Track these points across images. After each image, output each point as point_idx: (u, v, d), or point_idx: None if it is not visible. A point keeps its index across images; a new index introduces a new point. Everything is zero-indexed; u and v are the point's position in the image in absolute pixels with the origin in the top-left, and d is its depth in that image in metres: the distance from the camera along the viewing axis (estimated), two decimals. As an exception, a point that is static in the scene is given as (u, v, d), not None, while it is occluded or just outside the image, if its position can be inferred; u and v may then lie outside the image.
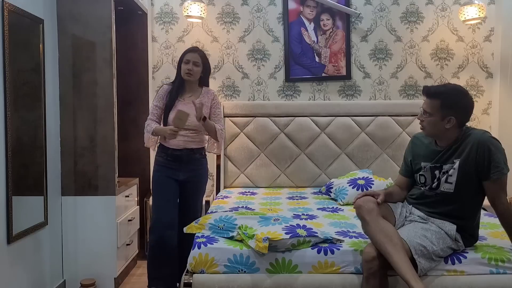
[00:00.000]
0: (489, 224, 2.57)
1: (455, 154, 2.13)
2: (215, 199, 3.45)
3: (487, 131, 2.14)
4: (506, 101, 3.84)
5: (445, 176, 2.14)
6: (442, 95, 2.11)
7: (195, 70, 2.76)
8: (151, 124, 2.77)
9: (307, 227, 2.27)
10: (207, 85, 2.94)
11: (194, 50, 2.82)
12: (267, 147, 3.84)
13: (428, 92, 2.15)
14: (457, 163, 2.11)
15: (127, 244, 3.27)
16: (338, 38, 3.97)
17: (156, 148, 2.88)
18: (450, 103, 2.09)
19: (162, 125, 2.81)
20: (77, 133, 2.96)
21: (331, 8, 3.93)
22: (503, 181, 2.05)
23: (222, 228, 2.34)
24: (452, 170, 2.12)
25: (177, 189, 2.81)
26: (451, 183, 2.13)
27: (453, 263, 2.09)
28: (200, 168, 2.88)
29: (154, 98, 2.91)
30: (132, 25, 3.77)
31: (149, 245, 2.80)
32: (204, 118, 2.67)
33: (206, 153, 2.93)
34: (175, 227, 2.74)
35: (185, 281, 2.14)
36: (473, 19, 3.72)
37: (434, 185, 2.19)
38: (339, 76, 3.99)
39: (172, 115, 2.73)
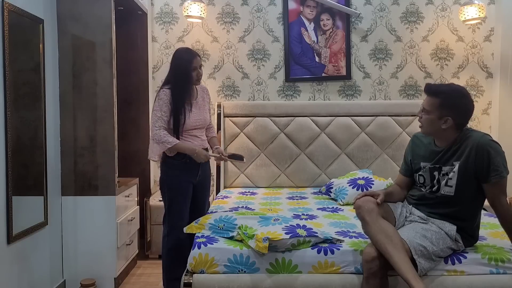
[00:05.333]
0: (489, 224, 2.56)
1: (455, 156, 2.12)
2: (215, 199, 3.45)
3: (487, 134, 2.13)
4: (506, 101, 3.84)
5: (445, 179, 2.14)
6: (442, 94, 2.10)
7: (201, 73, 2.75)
8: (168, 138, 2.57)
9: (307, 227, 2.27)
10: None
11: (197, 54, 2.73)
12: (267, 147, 3.84)
13: (429, 90, 2.15)
14: (456, 165, 2.10)
15: (127, 244, 3.27)
16: (338, 38, 3.97)
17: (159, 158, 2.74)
18: (449, 103, 2.08)
19: (177, 132, 2.66)
20: (77, 133, 2.96)
21: (331, 8, 3.93)
22: (503, 184, 2.05)
23: (222, 228, 2.34)
24: (452, 173, 2.12)
25: (191, 193, 2.78)
26: (451, 186, 2.12)
27: (453, 263, 2.09)
28: (208, 167, 2.89)
29: (159, 105, 2.59)
30: (132, 25, 3.77)
31: (166, 248, 2.70)
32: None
33: None
34: None
35: (185, 281, 2.15)
36: (473, 19, 3.72)
37: (435, 188, 2.19)
38: (339, 76, 3.99)
39: (192, 121, 2.67)
